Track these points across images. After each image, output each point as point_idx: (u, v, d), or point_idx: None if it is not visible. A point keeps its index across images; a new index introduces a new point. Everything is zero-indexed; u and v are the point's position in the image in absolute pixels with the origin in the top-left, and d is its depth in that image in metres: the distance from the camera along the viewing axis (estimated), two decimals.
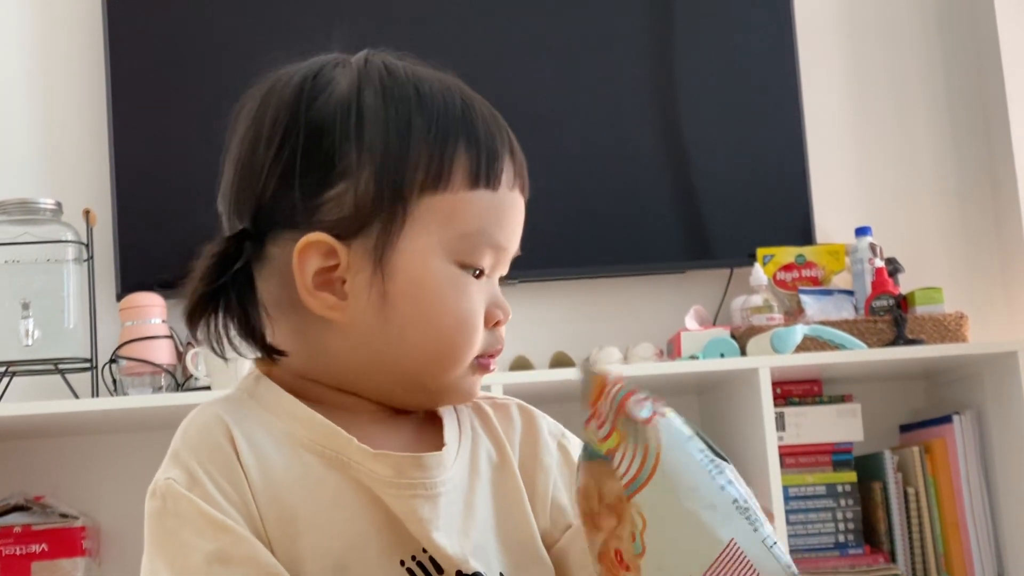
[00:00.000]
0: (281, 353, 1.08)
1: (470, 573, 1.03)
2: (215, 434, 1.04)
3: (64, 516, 2.80)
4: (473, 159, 1.06)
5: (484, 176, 1.06)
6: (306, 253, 1.05)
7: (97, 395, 2.78)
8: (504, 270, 1.10)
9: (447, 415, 1.12)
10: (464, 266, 1.05)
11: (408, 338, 1.05)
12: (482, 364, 1.08)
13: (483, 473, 1.10)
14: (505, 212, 1.07)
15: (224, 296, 1.10)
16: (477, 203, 1.05)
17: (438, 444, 1.09)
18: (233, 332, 1.09)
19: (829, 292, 3.00)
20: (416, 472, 1.05)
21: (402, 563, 1.03)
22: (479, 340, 1.06)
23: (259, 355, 1.10)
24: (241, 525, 1.00)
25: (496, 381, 2.61)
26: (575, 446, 1.13)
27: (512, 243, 1.08)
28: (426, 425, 1.11)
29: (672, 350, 2.93)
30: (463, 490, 1.07)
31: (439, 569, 1.03)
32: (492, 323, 1.08)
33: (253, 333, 1.08)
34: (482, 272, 1.07)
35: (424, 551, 1.03)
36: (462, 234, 1.05)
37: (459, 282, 1.05)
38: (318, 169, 1.07)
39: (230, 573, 0.98)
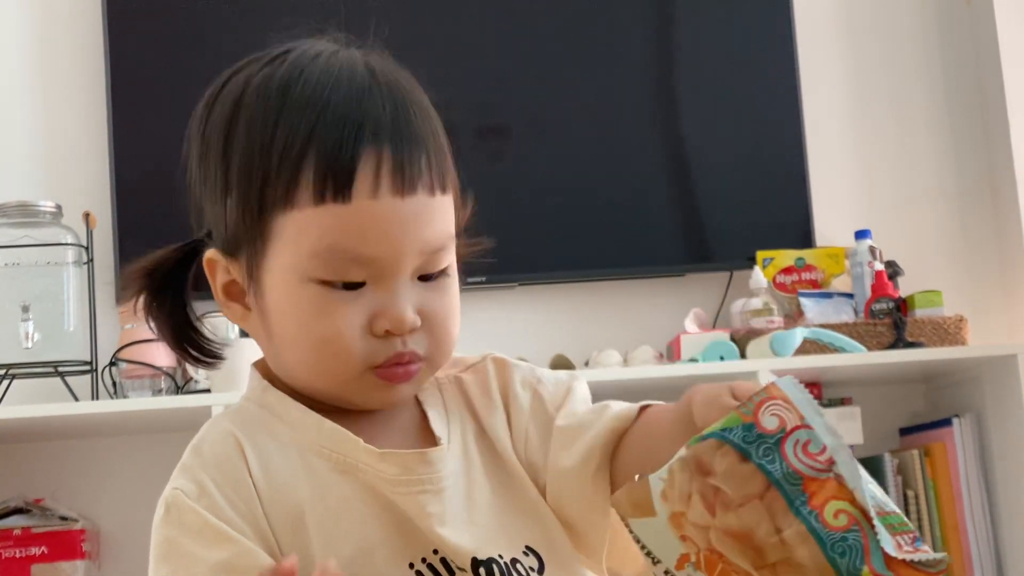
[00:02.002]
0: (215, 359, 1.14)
1: (484, 559, 1.05)
2: (225, 446, 1.06)
3: (64, 519, 2.80)
4: (318, 173, 1.01)
5: (331, 190, 1.00)
6: (210, 267, 1.09)
7: (97, 398, 2.78)
8: (399, 273, 1.03)
9: (430, 402, 1.13)
10: (325, 283, 1.02)
11: (287, 354, 1.07)
12: (384, 374, 1.05)
13: (474, 457, 1.11)
14: (364, 222, 1.01)
15: (164, 294, 1.13)
16: (325, 218, 1.01)
17: (430, 434, 1.10)
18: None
19: (829, 295, 3.00)
20: (422, 468, 1.06)
21: (411, 566, 1.04)
22: (353, 354, 1.03)
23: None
24: (248, 536, 1.01)
25: None
26: (550, 387, 1.14)
27: (384, 250, 1.02)
28: (416, 415, 1.12)
29: (672, 353, 2.93)
30: (463, 479, 1.08)
31: (449, 570, 1.04)
32: (381, 333, 1.03)
33: (179, 334, 1.13)
34: (358, 284, 1.03)
35: (435, 552, 1.04)
36: (313, 252, 1.01)
37: (319, 300, 1.02)
38: (211, 186, 1.09)
39: None
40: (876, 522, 0.85)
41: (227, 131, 1.08)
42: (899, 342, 2.86)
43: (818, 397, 2.92)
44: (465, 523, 1.06)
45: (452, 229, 1.08)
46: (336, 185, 1.00)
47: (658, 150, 3.15)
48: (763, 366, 2.71)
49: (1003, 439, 2.83)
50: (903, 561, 0.84)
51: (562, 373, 1.17)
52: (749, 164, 3.14)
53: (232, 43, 3.08)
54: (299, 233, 1.02)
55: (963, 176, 3.27)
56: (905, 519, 0.87)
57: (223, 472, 1.04)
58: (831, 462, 0.86)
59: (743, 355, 2.82)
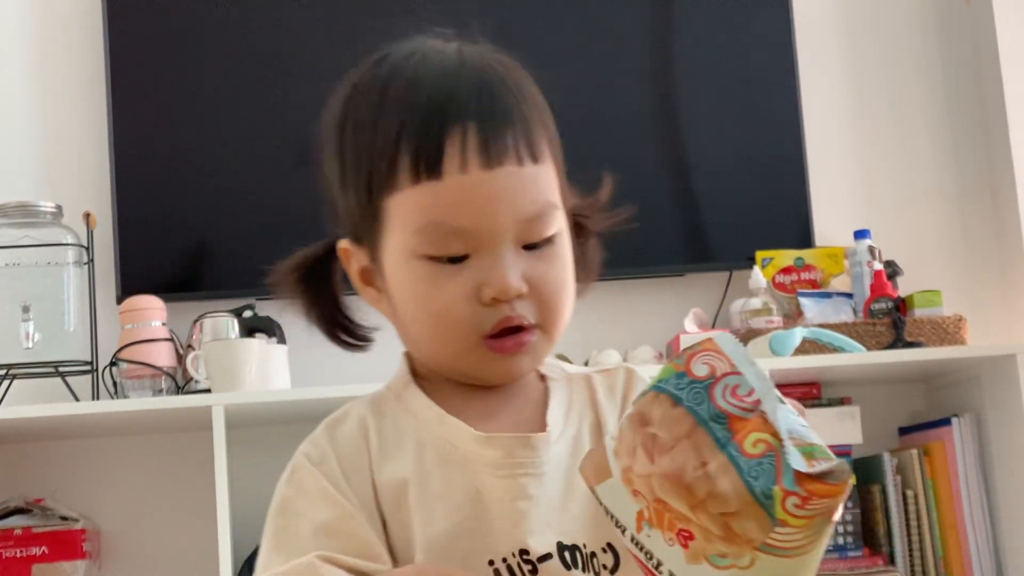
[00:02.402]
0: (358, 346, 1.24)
1: (569, 544, 1.10)
2: (354, 426, 1.16)
3: (64, 519, 2.80)
4: (412, 154, 1.08)
5: (424, 168, 1.07)
6: (345, 256, 1.19)
7: (97, 398, 2.79)
8: (499, 242, 1.08)
9: (558, 391, 1.18)
10: (431, 258, 1.09)
11: (410, 330, 1.15)
12: (496, 346, 1.11)
13: (584, 448, 1.15)
14: (457, 196, 1.07)
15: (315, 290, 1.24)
16: (423, 196, 1.08)
17: (545, 420, 1.15)
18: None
19: (828, 295, 3.01)
20: (524, 453, 1.12)
21: (491, 563, 1.09)
22: (463, 324, 1.09)
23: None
24: (356, 507, 1.10)
25: None
26: None
27: (478, 221, 1.07)
28: (540, 402, 1.17)
29: (671, 353, 2.93)
30: (564, 468, 1.13)
31: (529, 571, 1.09)
32: (486, 301, 1.09)
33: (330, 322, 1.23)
34: (462, 257, 1.08)
35: (514, 555, 1.09)
36: (416, 229, 1.08)
37: (427, 274, 1.09)
38: (335, 181, 1.19)
39: (330, 544, 1.07)
40: (788, 444, 0.89)
41: (340, 129, 1.17)
42: (898, 342, 2.87)
43: (817, 397, 2.92)
44: (558, 509, 1.10)
45: (552, 197, 1.12)
46: (428, 163, 1.07)
47: (658, 150, 3.16)
48: (762, 365, 2.71)
49: (1002, 439, 2.84)
50: (810, 475, 0.88)
51: None
52: (749, 164, 3.14)
53: (232, 44, 3.09)
54: (403, 213, 1.09)
55: (962, 176, 3.27)
56: (830, 453, 0.90)
57: (346, 448, 1.13)
58: (757, 403, 0.92)
59: None
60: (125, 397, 2.79)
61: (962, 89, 3.30)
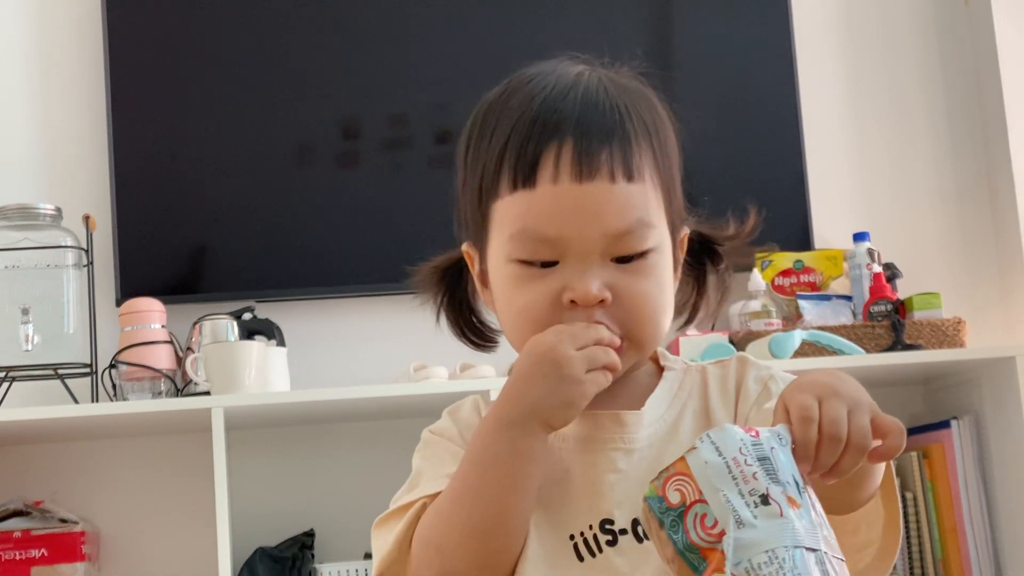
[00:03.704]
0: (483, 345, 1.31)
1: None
2: (469, 406, 1.27)
3: (63, 521, 2.80)
4: (512, 164, 1.15)
5: (521, 178, 1.15)
6: (468, 259, 1.26)
7: (97, 400, 2.79)
8: (587, 252, 1.14)
9: (668, 379, 1.24)
10: (521, 262, 1.16)
11: (504, 330, 1.24)
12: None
13: (683, 431, 1.20)
14: (547, 205, 1.14)
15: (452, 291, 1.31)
16: (516, 204, 1.15)
17: (645, 403, 1.21)
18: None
19: (827, 297, 3.01)
20: (614, 427, 1.19)
21: (571, 537, 1.15)
22: (541, 325, 1.15)
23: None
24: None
25: (494, 386, 2.61)
26: (780, 384, 1.21)
27: (566, 229, 1.13)
28: (650, 386, 1.23)
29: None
30: (656, 448, 1.18)
31: (608, 541, 1.14)
32: (566, 304, 1.14)
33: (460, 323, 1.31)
34: (550, 263, 1.15)
35: (591, 527, 1.15)
36: (510, 234, 1.16)
37: (517, 277, 1.16)
38: (460, 188, 1.25)
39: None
40: None
41: (467, 142, 1.23)
42: (897, 344, 2.87)
43: None
44: (643, 484, 1.12)
45: (645, 216, 1.16)
46: (524, 173, 1.15)
47: None
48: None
49: (1002, 441, 2.84)
50: None
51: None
52: (748, 166, 3.14)
53: (232, 48, 3.09)
54: (502, 218, 1.17)
55: (961, 178, 3.27)
56: None
57: (465, 423, 1.25)
58: (722, 535, 0.93)
59: None
60: (124, 399, 2.79)
61: (961, 91, 3.30)
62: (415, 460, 1.25)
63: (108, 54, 3.03)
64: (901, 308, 2.94)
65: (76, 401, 2.73)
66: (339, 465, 3.00)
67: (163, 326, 2.85)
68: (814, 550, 0.92)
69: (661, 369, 1.26)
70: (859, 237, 3.04)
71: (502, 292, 1.19)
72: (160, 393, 2.80)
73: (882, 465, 1.10)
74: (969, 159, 3.27)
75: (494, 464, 1.12)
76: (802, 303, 2.98)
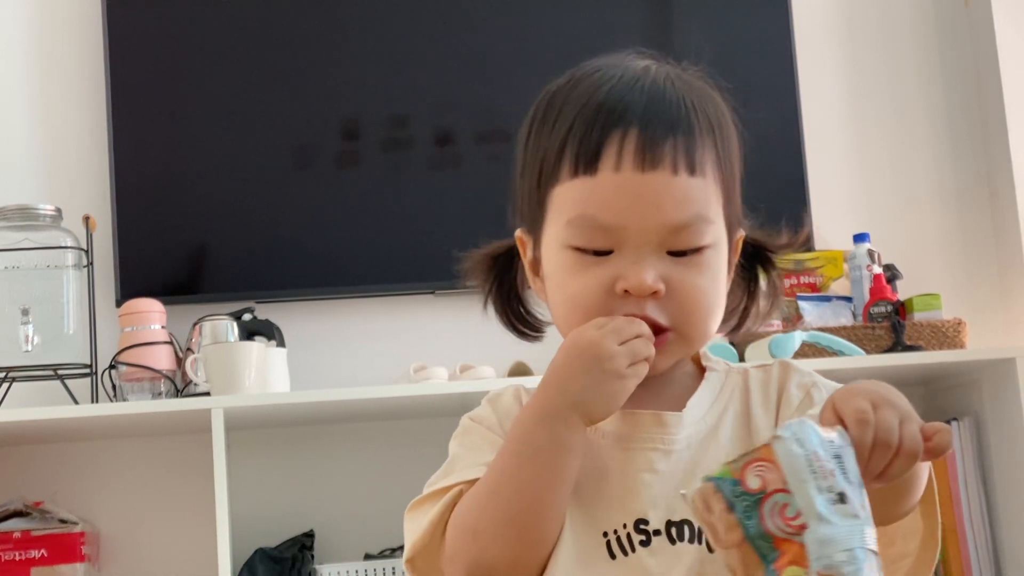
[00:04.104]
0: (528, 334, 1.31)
1: (678, 520, 1.14)
2: (509, 394, 1.27)
3: (63, 522, 2.80)
4: (574, 150, 1.15)
5: (582, 165, 1.14)
6: (521, 245, 1.26)
7: (96, 401, 2.79)
8: (643, 243, 1.14)
9: (710, 380, 1.24)
10: (577, 249, 1.15)
11: (554, 317, 1.23)
12: None
13: (723, 433, 1.19)
14: (607, 192, 1.13)
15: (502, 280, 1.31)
16: (576, 190, 1.15)
17: (686, 405, 1.21)
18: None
19: (827, 298, 3.00)
20: (654, 428, 1.18)
21: (604, 535, 1.15)
22: (593, 312, 1.14)
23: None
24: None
25: (495, 387, 2.61)
26: (823, 392, 1.22)
27: (624, 218, 1.13)
28: (691, 387, 1.23)
29: None
30: (697, 448, 1.18)
31: (642, 540, 1.14)
32: (619, 293, 1.14)
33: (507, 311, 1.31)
34: (606, 252, 1.14)
35: (625, 526, 1.14)
36: (568, 220, 1.15)
37: (572, 263, 1.16)
38: (518, 174, 1.25)
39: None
40: None
41: (529, 128, 1.23)
42: (897, 345, 2.87)
43: None
44: (679, 486, 1.13)
45: (705, 211, 1.16)
46: (586, 160, 1.14)
47: None
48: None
49: (1002, 442, 2.84)
50: None
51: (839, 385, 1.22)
52: (747, 167, 3.13)
53: (232, 49, 3.09)
54: (560, 204, 1.17)
55: (961, 179, 3.27)
56: None
57: (505, 411, 1.24)
58: (802, 527, 0.92)
59: (742, 358, 2.82)
60: (124, 400, 2.79)
61: (961, 92, 3.30)
62: (452, 446, 1.25)
63: (108, 55, 3.03)
64: (901, 309, 2.94)
65: (76, 402, 2.73)
66: (339, 466, 3.00)
67: (163, 327, 2.85)
68: (876, 553, 0.93)
69: (702, 370, 1.26)
70: (859, 238, 3.04)
71: (555, 279, 1.19)
72: (160, 394, 2.80)
73: (924, 480, 1.11)
74: (969, 160, 3.27)
75: (533, 454, 1.12)
76: (802, 304, 2.98)
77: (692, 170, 1.15)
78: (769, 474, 0.94)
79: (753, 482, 0.94)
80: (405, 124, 3.11)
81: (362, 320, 3.08)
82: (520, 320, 1.32)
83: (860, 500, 0.94)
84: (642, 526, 1.15)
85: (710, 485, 0.96)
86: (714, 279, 1.18)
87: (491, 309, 1.32)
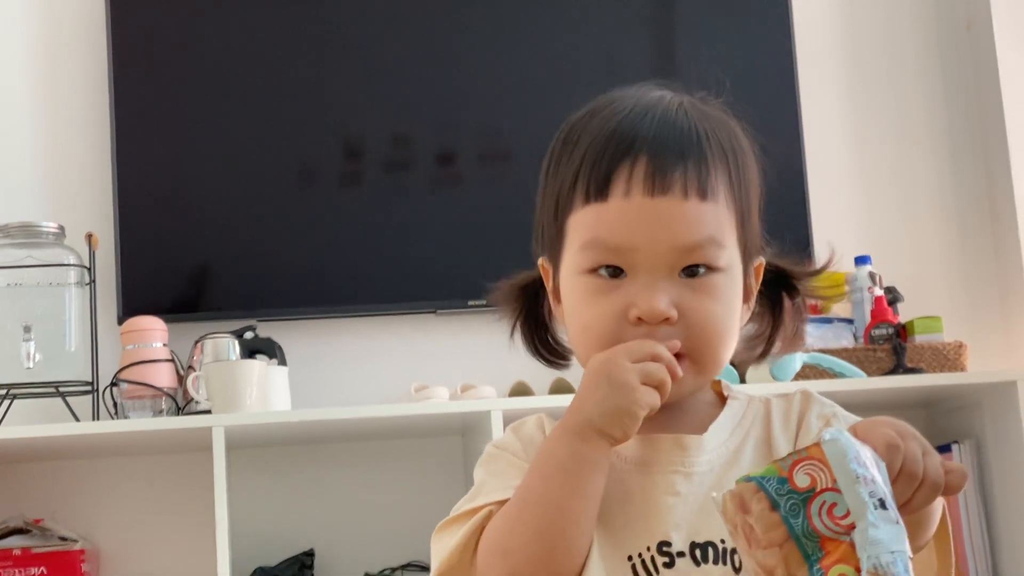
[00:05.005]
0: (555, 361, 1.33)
1: (702, 541, 1.15)
2: (532, 423, 1.27)
3: (63, 539, 2.80)
4: (586, 178, 1.18)
5: (593, 191, 1.17)
6: (544, 273, 1.28)
7: (98, 418, 2.79)
8: (655, 267, 1.15)
9: (732, 407, 1.25)
10: (590, 273, 1.18)
11: (571, 344, 1.25)
12: None
13: (744, 458, 1.20)
14: (617, 216, 1.15)
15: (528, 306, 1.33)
16: (588, 216, 1.17)
17: (708, 430, 1.22)
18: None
19: (828, 320, 3.01)
20: (675, 451, 1.19)
21: (629, 558, 1.16)
22: (607, 339, 1.16)
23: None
24: None
25: (495, 407, 2.62)
26: (842, 423, 1.21)
27: (634, 241, 1.15)
28: (712, 414, 1.23)
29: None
30: (717, 473, 1.19)
31: (666, 562, 1.15)
32: (632, 320, 1.15)
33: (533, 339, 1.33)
34: (619, 275, 1.16)
35: (649, 548, 1.15)
36: (581, 245, 1.18)
37: (585, 289, 1.18)
38: (539, 204, 1.27)
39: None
40: None
41: (549, 159, 1.26)
42: (899, 368, 2.87)
43: None
44: (702, 509, 1.16)
45: (716, 235, 1.17)
46: (596, 187, 1.17)
47: None
48: (762, 390, 2.71)
49: (1002, 465, 2.83)
50: None
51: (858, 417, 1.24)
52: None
53: (235, 67, 3.10)
54: (575, 231, 1.19)
55: (963, 202, 3.28)
56: None
57: (528, 439, 1.25)
58: (851, 527, 0.93)
59: (743, 379, 2.82)
60: (125, 417, 2.79)
61: (963, 116, 3.30)
62: (477, 473, 1.26)
63: (112, 73, 3.03)
64: (902, 331, 2.94)
65: (77, 419, 2.73)
66: (339, 485, 3.00)
67: (164, 344, 2.85)
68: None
69: (723, 400, 1.26)
70: (861, 260, 3.04)
71: (571, 306, 1.21)
72: (161, 411, 2.80)
73: (938, 515, 1.12)
74: (970, 183, 3.28)
75: (556, 470, 1.14)
76: None
77: (703, 195, 1.16)
78: (819, 473, 0.94)
79: (802, 480, 0.94)
80: (407, 144, 3.11)
81: (363, 339, 3.08)
82: (546, 347, 1.34)
83: (896, 509, 0.95)
84: (665, 548, 1.15)
85: (751, 484, 0.96)
86: (727, 305, 1.18)
87: (519, 337, 1.34)
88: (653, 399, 1.12)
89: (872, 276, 3.01)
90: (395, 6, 3.14)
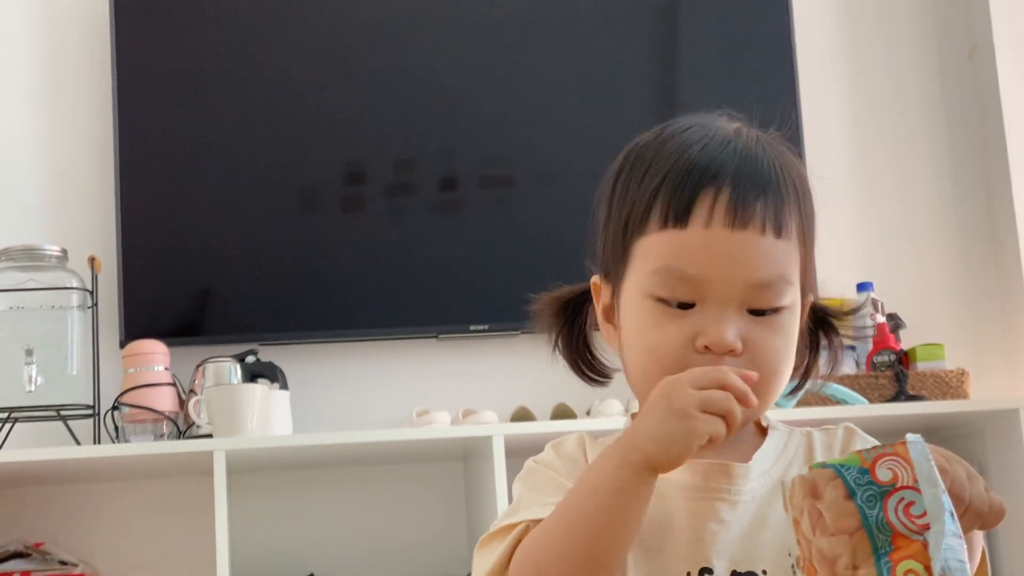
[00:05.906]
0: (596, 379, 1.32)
1: (744, 572, 1.16)
2: (572, 440, 1.28)
3: (63, 563, 2.79)
4: (665, 203, 1.17)
5: (672, 217, 1.17)
6: (595, 291, 1.28)
7: (99, 442, 2.78)
8: (726, 299, 1.16)
9: (775, 436, 1.26)
10: (659, 299, 1.17)
11: (627, 364, 1.24)
12: None
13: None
14: (696, 246, 1.16)
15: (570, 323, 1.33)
16: (665, 242, 1.17)
17: (752, 458, 1.22)
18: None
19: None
20: (721, 479, 1.19)
21: None
22: (671, 364, 1.15)
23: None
24: None
25: (496, 432, 2.61)
26: None
27: (710, 272, 1.15)
28: (754, 440, 1.24)
29: None
30: (760, 502, 1.19)
31: None
32: (699, 349, 1.15)
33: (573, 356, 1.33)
34: (688, 305, 1.16)
35: (689, 574, 1.15)
36: (652, 270, 1.17)
37: (653, 314, 1.18)
38: (601, 222, 1.28)
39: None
40: None
41: (615, 177, 1.26)
42: (901, 395, 2.86)
43: None
44: (744, 538, 1.17)
45: (786, 273, 1.18)
46: (677, 213, 1.17)
47: None
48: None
49: (1005, 493, 2.81)
50: None
51: None
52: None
53: (239, 90, 3.11)
54: (645, 254, 1.19)
55: (965, 229, 3.28)
56: None
57: (568, 456, 1.25)
58: (925, 527, 0.94)
59: None
60: (126, 441, 2.79)
61: (965, 143, 3.31)
62: (516, 488, 1.26)
63: (115, 96, 3.04)
64: (904, 359, 2.94)
65: (78, 442, 2.73)
66: (341, 509, 3.00)
67: (166, 368, 2.85)
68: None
69: (763, 430, 1.26)
70: (862, 287, 3.04)
71: (633, 328, 1.20)
72: (162, 435, 2.80)
73: (979, 553, 1.13)
74: (972, 210, 3.28)
75: (591, 493, 1.13)
76: None
77: (779, 232, 1.18)
78: (901, 470, 0.95)
79: (884, 474, 0.95)
80: (410, 169, 3.12)
81: (365, 363, 3.08)
82: (588, 365, 1.33)
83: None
84: (706, 574, 1.16)
85: (827, 471, 0.96)
86: (788, 341, 1.19)
87: (560, 351, 1.34)
88: (714, 427, 1.09)
89: (874, 303, 3.02)
90: (398, 32, 3.15)
